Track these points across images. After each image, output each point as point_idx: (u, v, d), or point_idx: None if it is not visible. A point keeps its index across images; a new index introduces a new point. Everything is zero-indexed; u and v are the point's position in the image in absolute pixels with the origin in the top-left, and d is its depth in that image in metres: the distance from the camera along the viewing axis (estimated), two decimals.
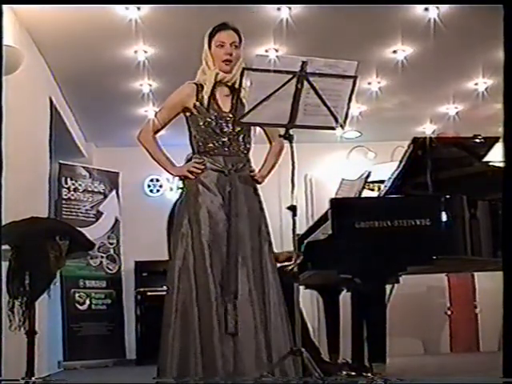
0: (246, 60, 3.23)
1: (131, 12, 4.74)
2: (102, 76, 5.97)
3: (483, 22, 4.75)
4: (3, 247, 3.30)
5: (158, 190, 8.24)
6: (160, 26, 4.99)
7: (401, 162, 3.76)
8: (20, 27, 4.87)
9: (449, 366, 5.61)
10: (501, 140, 3.27)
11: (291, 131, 3.01)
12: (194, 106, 3.23)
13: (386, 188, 3.79)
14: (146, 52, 5.44)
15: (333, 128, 3.07)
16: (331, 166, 7.93)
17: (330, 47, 4.75)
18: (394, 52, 5.62)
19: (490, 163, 3.88)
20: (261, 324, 3.02)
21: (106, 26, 4.97)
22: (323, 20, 5.04)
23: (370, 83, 6.29)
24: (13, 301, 3.46)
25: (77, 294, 7.15)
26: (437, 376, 4.62)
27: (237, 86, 3.14)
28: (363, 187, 4.17)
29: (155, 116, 3.39)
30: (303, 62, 2.89)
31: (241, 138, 3.24)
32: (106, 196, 7.64)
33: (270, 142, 3.41)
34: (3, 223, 2.97)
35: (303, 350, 2.91)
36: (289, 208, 2.99)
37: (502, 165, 2.96)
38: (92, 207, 7.48)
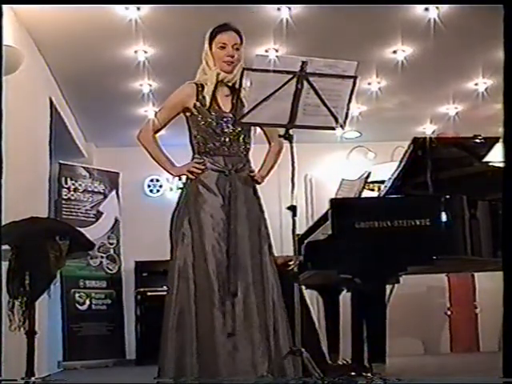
0: (246, 60, 3.22)
1: (131, 12, 4.74)
2: (101, 76, 5.97)
3: (483, 22, 4.75)
4: (3, 247, 3.31)
5: (158, 190, 8.23)
6: (160, 25, 4.98)
7: (401, 162, 3.76)
8: (20, 27, 4.87)
9: (449, 366, 5.61)
10: (501, 140, 3.27)
11: (291, 131, 3.00)
12: (195, 105, 3.22)
13: (386, 188, 3.79)
14: (145, 52, 5.45)
15: (333, 128, 3.07)
16: (331, 166, 7.93)
17: (329, 47, 4.76)
18: (394, 52, 5.62)
19: (490, 163, 3.88)
20: (260, 324, 3.02)
21: (105, 25, 4.97)
22: (323, 20, 5.04)
23: (369, 83, 6.29)
24: (13, 301, 3.46)
25: (77, 294, 7.15)
26: (437, 376, 4.62)
27: (237, 86, 3.13)
28: (363, 187, 4.16)
29: (155, 116, 3.38)
30: (303, 62, 2.89)
31: (241, 139, 3.23)
32: (106, 196, 7.64)
33: (269, 143, 3.40)
34: (3, 223, 2.97)
35: (303, 350, 2.91)
36: (289, 208, 2.99)
37: (501, 165, 2.96)
38: (92, 207, 7.48)
